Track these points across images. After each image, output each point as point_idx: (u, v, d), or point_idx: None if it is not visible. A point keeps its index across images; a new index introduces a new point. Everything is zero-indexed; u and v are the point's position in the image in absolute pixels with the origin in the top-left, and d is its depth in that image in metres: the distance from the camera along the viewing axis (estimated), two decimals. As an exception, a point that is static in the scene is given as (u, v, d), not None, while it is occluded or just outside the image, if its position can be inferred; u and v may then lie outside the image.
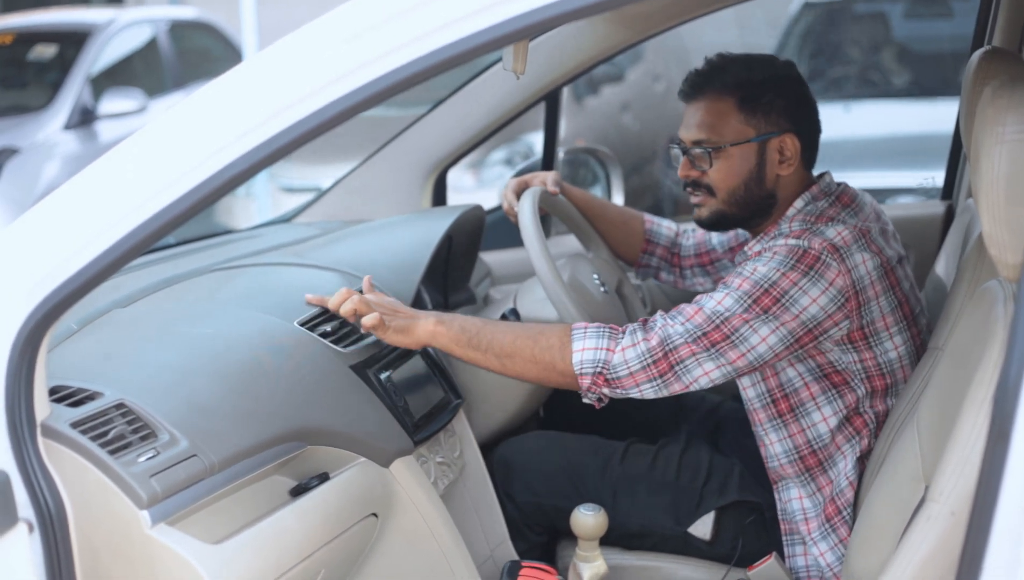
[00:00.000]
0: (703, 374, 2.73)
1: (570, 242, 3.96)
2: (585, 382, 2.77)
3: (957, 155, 4.09)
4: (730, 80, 2.92)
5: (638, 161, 9.93)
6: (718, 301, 2.73)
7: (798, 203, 2.92)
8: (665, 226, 3.55)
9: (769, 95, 2.91)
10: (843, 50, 9.44)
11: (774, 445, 2.93)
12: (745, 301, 2.72)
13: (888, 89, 9.33)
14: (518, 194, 3.38)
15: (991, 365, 1.99)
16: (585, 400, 2.83)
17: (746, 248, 2.99)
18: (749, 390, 2.94)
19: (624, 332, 2.77)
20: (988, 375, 1.98)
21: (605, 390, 2.78)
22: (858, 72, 9.48)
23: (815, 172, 3.02)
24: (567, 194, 3.47)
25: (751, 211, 2.96)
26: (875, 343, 2.81)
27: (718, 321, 2.71)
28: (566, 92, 4.17)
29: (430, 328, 2.83)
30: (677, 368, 2.72)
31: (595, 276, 3.34)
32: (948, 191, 4.14)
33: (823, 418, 2.87)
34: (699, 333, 2.71)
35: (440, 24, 1.94)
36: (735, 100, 2.91)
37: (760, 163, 2.92)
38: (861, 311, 2.77)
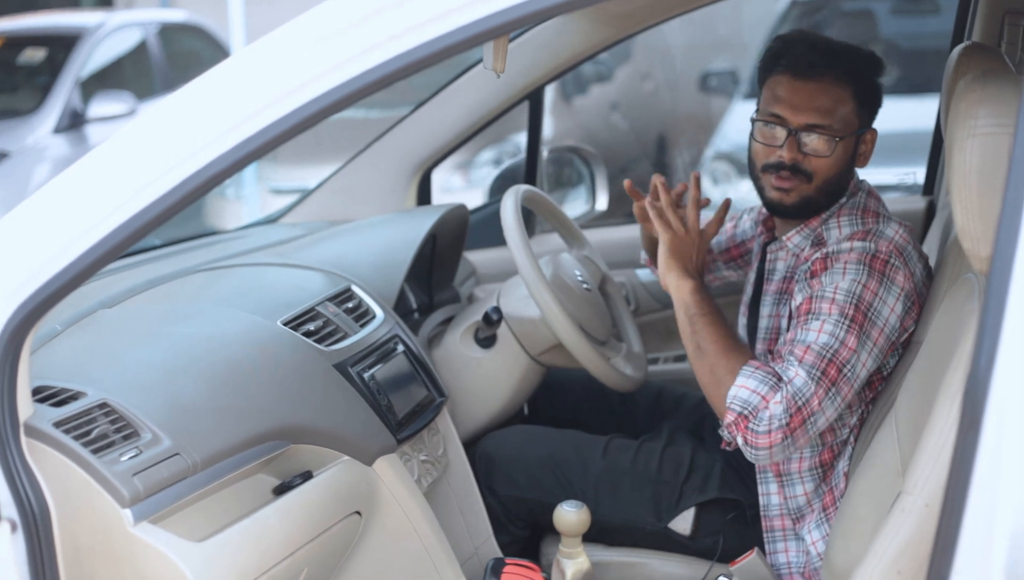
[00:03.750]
0: (824, 420, 2.69)
1: (553, 241, 3.97)
2: (729, 417, 2.70)
3: (938, 150, 4.11)
4: (853, 69, 2.86)
5: (627, 161, 9.94)
6: (818, 331, 2.69)
7: (840, 198, 2.92)
8: None
9: (875, 90, 2.90)
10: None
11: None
12: (843, 323, 2.68)
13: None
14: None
15: (964, 357, 2.00)
16: (720, 431, 2.77)
17: (786, 240, 2.97)
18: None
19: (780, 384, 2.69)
20: (961, 366, 2.00)
21: (739, 437, 2.70)
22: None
23: None
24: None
25: (832, 199, 2.91)
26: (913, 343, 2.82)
27: (829, 355, 2.67)
28: (555, 92, 4.19)
29: (683, 283, 2.87)
30: (808, 423, 2.65)
31: (578, 274, 3.35)
32: (929, 187, 4.15)
33: (851, 415, 2.88)
34: (818, 374, 2.66)
35: (416, 23, 1.95)
36: (852, 90, 2.85)
37: (854, 155, 2.91)
38: (920, 316, 2.78)
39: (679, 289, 2.86)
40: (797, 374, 2.65)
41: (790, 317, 2.87)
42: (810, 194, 2.89)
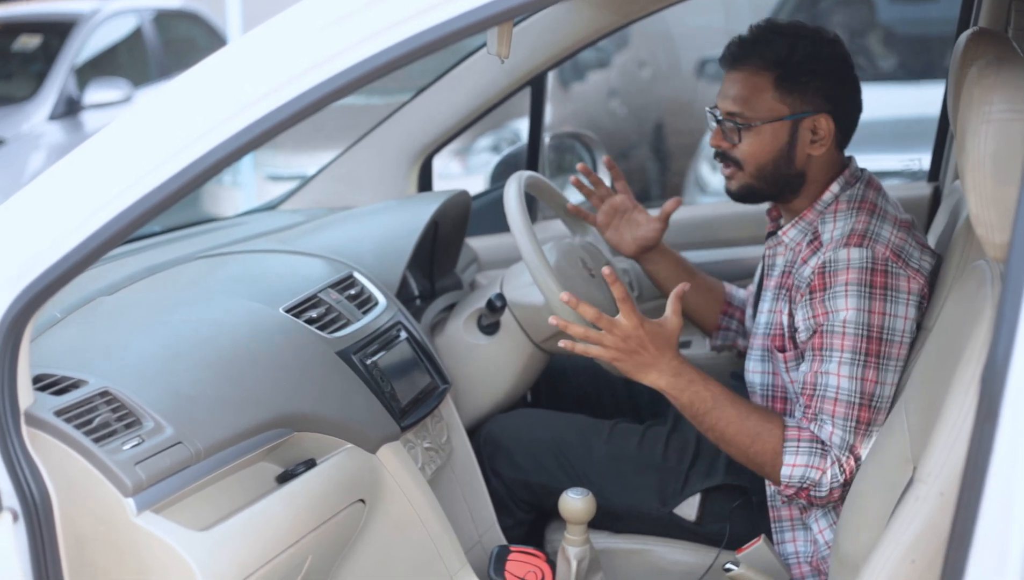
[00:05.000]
0: (863, 452, 2.71)
1: (556, 227, 3.95)
2: (789, 492, 2.75)
3: (944, 137, 4.08)
4: (770, 55, 2.85)
5: (625, 147, 9.92)
6: (836, 374, 2.70)
7: (834, 187, 2.88)
8: (741, 291, 3.47)
9: (807, 74, 2.85)
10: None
11: None
12: (859, 360, 2.69)
13: (874, 72, 9.33)
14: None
15: (979, 345, 1.98)
16: (778, 492, 2.82)
17: (782, 235, 2.94)
18: (793, 373, 2.91)
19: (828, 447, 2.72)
20: (976, 355, 1.98)
21: (803, 501, 2.79)
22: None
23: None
24: (665, 253, 3.35)
25: (779, 188, 2.91)
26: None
27: (857, 399, 2.69)
28: (553, 78, 4.18)
29: (659, 386, 2.76)
30: (858, 461, 2.70)
31: (581, 261, 3.33)
32: (935, 173, 4.13)
33: None
34: (852, 423, 2.69)
35: (420, 9, 1.93)
36: (773, 77, 2.85)
37: (791, 142, 2.87)
38: (931, 305, 2.76)
39: (665, 392, 2.77)
40: (834, 433, 2.69)
41: (791, 315, 2.85)
42: (748, 182, 2.92)
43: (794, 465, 2.71)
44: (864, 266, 2.71)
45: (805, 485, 2.71)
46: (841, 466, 2.68)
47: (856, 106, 2.94)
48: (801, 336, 2.80)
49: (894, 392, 2.72)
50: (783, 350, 2.88)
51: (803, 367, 2.79)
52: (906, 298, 2.72)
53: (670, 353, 2.75)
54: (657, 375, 2.75)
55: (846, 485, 2.69)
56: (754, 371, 2.98)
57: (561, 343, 2.80)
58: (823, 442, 2.70)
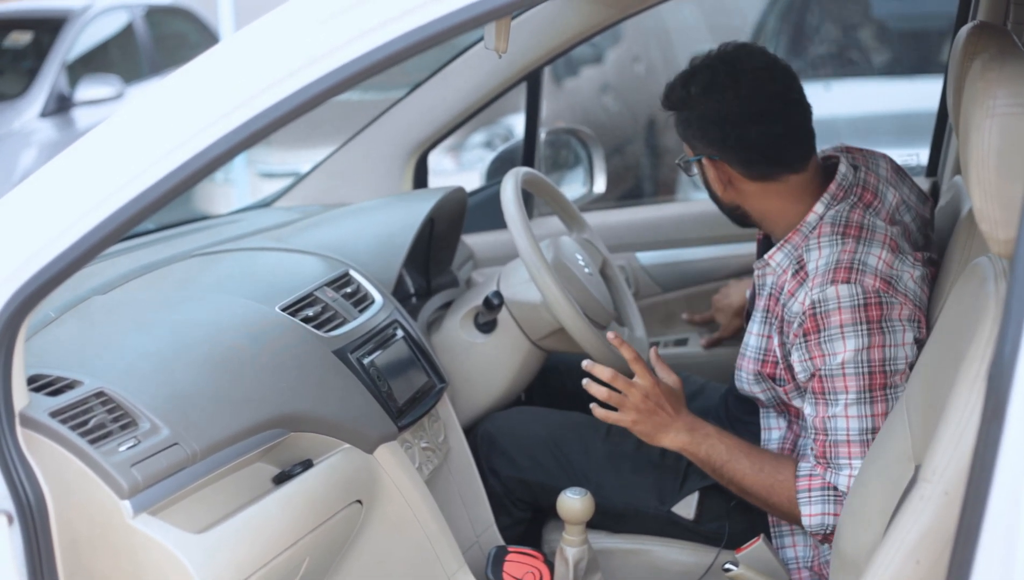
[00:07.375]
0: None
1: (553, 223, 3.93)
2: (818, 538, 2.77)
3: (942, 132, 4.06)
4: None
5: (620, 142, 9.90)
6: (845, 416, 2.66)
7: (818, 208, 2.76)
8: None
9: (678, 114, 2.86)
10: (823, 28, 9.41)
11: (792, 426, 2.92)
12: (865, 397, 2.65)
13: (868, 67, 9.32)
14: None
15: (983, 342, 1.96)
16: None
17: (768, 258, 2.84)
18: (795, 400, 2.87)
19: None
20: (980, 352, 1.95)
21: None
22: (838, 50, 9.47)
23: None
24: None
25: (733, 218, 2.93)
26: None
27: (868, 436, 2.66)
28: (546, 74, 4.16)
29: (676, 445, 2.83)
30: None
31: (579, 257, 3.31)
32: (933, 168, 4.11)
33: None
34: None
35: (417, 4, 1.91)
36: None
37: (705, 178, 2.87)
38: (928, 318, 2.73)
39: (682, 450, 2.84)
40: (851, 477, 2.66)
41: (782, 346, 2.78)
42: None
43: (811, 515, 2.72)
44: (856, 303, 2.63)
45: (829, 531, 2.70)
46: None
47: (754, 139, 2.77)
48: (800, 376, 2.75)
49: None
50: (775, 379, 2.84)
51: (808, 410, 2.74)
52: (902, 326, 2.65)
53: (684, 410, 2.84)
54: (675, 434, 2.82)
55: None
56: (754, 391, 2.93)
57: (592, 407, 2.88)
58: (836, 488, 2.69)
